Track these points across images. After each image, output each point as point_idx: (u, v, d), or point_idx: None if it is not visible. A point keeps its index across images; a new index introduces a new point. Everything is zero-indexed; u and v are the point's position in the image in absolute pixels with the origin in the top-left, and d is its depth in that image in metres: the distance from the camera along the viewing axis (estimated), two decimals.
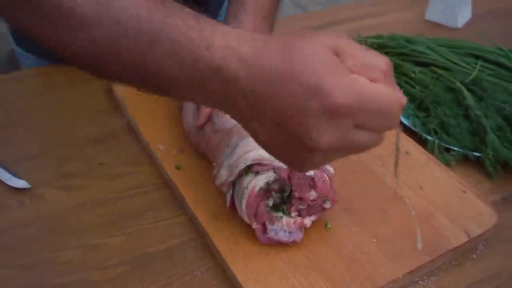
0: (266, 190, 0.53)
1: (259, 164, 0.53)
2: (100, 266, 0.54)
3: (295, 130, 0.35)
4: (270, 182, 0.53)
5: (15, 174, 0.64)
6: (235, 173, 0.54)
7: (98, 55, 0.40)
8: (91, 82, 0.82)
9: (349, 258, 0.54)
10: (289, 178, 0.53)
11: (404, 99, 0.37)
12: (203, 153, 0.65)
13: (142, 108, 0.74)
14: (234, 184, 0.55)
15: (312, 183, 0.53)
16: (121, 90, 0.77)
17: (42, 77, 0.85)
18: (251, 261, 0.53)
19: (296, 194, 0.53)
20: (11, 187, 0.63)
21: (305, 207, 0.54)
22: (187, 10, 0.39)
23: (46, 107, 0.78)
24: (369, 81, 0.35)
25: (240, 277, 0.51)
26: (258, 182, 0.52)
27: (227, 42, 0.36)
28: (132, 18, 0.38)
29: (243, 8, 0.67)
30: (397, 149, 0.43)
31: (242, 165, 0.53)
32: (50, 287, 0.53)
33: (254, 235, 0.54)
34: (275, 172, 0.53)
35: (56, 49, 0.42)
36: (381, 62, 0.36)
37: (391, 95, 0.36)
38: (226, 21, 0.69)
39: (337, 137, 0.35)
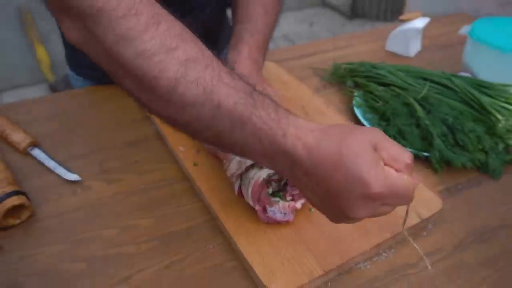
0: (268, 181, 0.53)
1: None
2: (134, 242, 0.54)
3: (339, 203, 0.38)
4: (271, 175, 0.52)
5: (69, 170, 0.64)
6: (243, 167, 0.53)
7: (197, 127, 0.41)
8: (126, 98, 0.81)
9: (328, 235, 0.53)
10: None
11: (417, 183, 0.39)
12: (214, 154, 0.64)
13: None
14: (241, 175, 0.55)
15: None
16: None
17: (89, 94, 0.85)
18: (252, 238, 0.52)
19: (291, 182, 0.53)
20: (66, 180, 0.63)
21: (297, 193, 0.54)
22: (268, 101, 0.40)
23: (92, 117, 0.78)
24: (397, 173, 0.37)
25: (243, 250, 0.51)
26: (262, 174, 0.52)
27: (297, 133, 0.38)
28: (229, 105, 0.38)
29: (244, 34, 0.66)
30: (407, 213, 0.45)
31: (249, 162, 0.53)
32: (95, 258, 0.52)
33: (256, 217, 0.54)
34: None
35: (163, 118, 0.42)
36: (406, 156, 0.38)
37: (411, 184, 0.38)
38: (231, 40, 0.68)
39: (369, 212, 0.38)
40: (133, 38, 0.37)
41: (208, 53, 0.40)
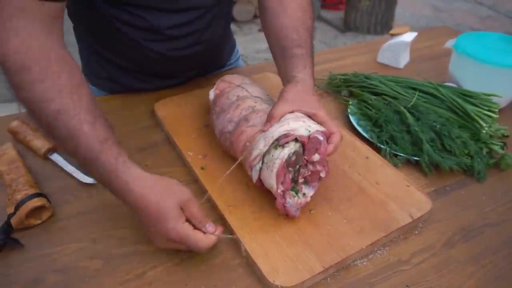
0: (287, 165, 0.52)
1: (285, 135, 0.52)
2: (147, 240, 0.53)
3: (151, 234, 0.49)
4: (291, 155, 0.51)
5: (86, 174, 0.64)
6: (268, 142, 0.52)
7: (66, 152, 0.50)
8: (138, 106, 0.81)
9: (327, 234, 0.53)
10: (305, 143, 0.52)
11: (211, 241, 0.49)
12: (227, 150, 0.63)
13: (176, 125, 0.74)
14: (263, 157, 0.53)
15: (318, 147, 0.52)
16: (160, 112, 0.77)
17: (102, 103, 0.85)
18: (256, 236, 0.53)
19: (306, 158, 0.53)
20: (83, 183, 0.63)
21: (309, 173, 0.53)
22: (115, 148, 0.48)
23: None
24: (192, 229, 0.48)
25: (248, 249, 0.51)
26: (284, 154, 0.51)
27: (132, 181, 0.48)
28: (84, 148, 0.47)
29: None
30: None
31: (276, 135, 0.52)
32: (111, 255, 0.52)
33: (259, 217, 0.54)
34: (296, 141, 0.52)
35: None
36: (204, 219, 0.50)
37: (202, 240, 0.48)
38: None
39: (166, 246, 0.50)
40: (23, 88, 0.46)
41: (79, 104, 0.47)
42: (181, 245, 0.48)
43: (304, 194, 0.54)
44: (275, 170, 0.51)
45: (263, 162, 0.53)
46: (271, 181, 0.52)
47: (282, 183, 0.52)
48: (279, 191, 0.52)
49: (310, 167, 0.54)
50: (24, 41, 0.46)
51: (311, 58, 0.64)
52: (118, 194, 0.48)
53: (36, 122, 0.48)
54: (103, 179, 0.48)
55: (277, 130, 0.53)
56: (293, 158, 0.52)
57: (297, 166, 0.53)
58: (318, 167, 0.54)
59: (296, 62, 0.61)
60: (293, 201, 0.53)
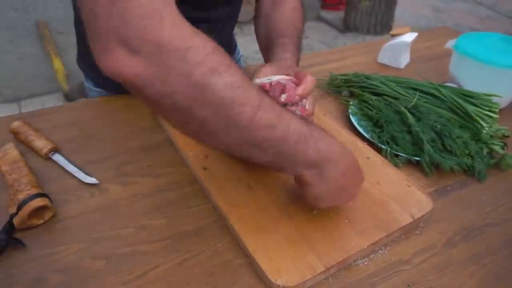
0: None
1: None
2: (148, 240, 0.54)
3: (354, 188, 0.52)
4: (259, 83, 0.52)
5: (88, 173, 0.64)
6: None
7: (265, 147, 0.43)
8: (139, 107, 0.81)
9: (329, 234, 0.53)
10: (268, 90, 0.52)
11: None
12: None
13: None
14: None
15: (283, 88, 0.52)
16: None
17: (105, 103, 0.85)
18: (258, 236, 0.52)
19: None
20: (85, 183, 0.63)
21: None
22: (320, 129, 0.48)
23: (108, 125, 0.78)
24: None
25: (250, 248, 0.51)
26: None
27: (341, 143, 0.49)
28: (297, 125, 0.44)
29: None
30: None
31: None
32: (113, 256, 0.52)
33: (261, 217, 0.54)
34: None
35: (231, 144, 0.43)
36: None
37: None
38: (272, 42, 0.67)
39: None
40: (223, 72, 0.38)
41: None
42: None
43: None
44: None
45: None
46: None
47: None
48: None
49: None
50: (190, 28, 0.38)
51: (295, 48, 0.65)
52: (330, 159, 0.46)
53: (235, 114, 0.39)
54: (314, 154, 0.45)
55: None
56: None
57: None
58: (289, 108, 0.53)
59: (278, 49, 0.62)
60: None
